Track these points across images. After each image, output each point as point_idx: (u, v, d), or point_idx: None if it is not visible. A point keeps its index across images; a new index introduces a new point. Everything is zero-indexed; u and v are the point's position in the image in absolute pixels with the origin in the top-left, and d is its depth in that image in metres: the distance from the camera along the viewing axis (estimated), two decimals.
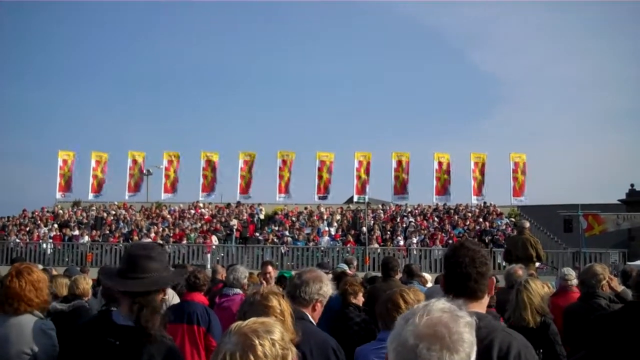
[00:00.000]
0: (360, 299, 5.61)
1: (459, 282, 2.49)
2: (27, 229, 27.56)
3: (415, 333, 1.45)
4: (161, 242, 23.84)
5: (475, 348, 1.51)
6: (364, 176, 32.34)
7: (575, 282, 6.17)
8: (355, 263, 9.90)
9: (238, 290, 6.27)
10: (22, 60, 74.10)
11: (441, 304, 1.55)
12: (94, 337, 2.67)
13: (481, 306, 2.49)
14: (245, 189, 32.79)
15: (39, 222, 28.74)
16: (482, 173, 32.30)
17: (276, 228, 27.82)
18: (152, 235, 25.40)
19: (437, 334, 1.45)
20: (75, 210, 31.32)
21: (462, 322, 1.50)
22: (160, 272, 2.77)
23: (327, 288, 3.49)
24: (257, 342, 1.79)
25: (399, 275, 7.25)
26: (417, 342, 1.44)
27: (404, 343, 1.45)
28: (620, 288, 5.70)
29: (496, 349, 2.20)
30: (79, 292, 5.93)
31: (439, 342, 1.44)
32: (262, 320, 1.92)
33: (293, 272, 7.52)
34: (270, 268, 7.43)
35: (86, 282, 6.10)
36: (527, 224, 12.30)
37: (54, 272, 9.31)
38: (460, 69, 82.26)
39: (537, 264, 12.71)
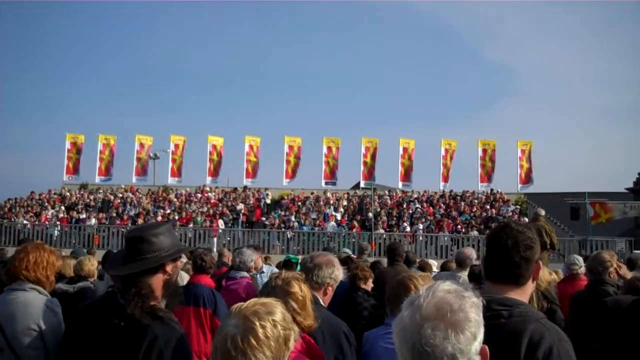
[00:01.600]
0: (369, 285, 5.61)
1: (500, 265, 2.30)
2: (35, 211, 27.69)
3: (419, 314, 1.43)
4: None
5: (482, 329, 1.47)
6: (370, 162, 32.30)
7: (582, 269, 6.15)
8: (369, 250, 9.87)
9: (244, 273, 6.28)
10: (31, 50, 74.09)
11: (446, 285, 1.51)
12: (99, 318, 2.66)
13: (524, 293, 2.30)
14: (251, 174, 32.82)
15: (46, 204, 28.87)
16: (491, 160, 32.17)
17: (282, 213, 27.86)
18: (159, 218, 25.47)
19: (441, 314, 1.42)
20: (82, 192, 31.45)
21: (468, 302, 1.47)
22: (160, 251, 2.71)
23: (339, 272, 3.51)
24: (257, 324, 1.78)
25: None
26: (422, 322, 1.42)
27: (408, 324, 1.43)
28: (629, 275, 5.67)
29: (526, 340, 2.06)
30: (84, 273, 5.94)
31: (443, 321, 1.41)
32: (264, 301, 1.90)
33: (299, 257, 7.51)
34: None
35: (91, 264, 6.11)
36: (543, 212, 12.19)
37: (63, 254, 9.37)
38: (468, 58, 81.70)
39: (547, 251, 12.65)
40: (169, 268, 2.76)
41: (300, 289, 2.83)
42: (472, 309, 1.46)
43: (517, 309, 2.17)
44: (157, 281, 2.72)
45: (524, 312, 2.17)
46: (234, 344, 1.76)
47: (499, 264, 2.31)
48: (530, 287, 2.33)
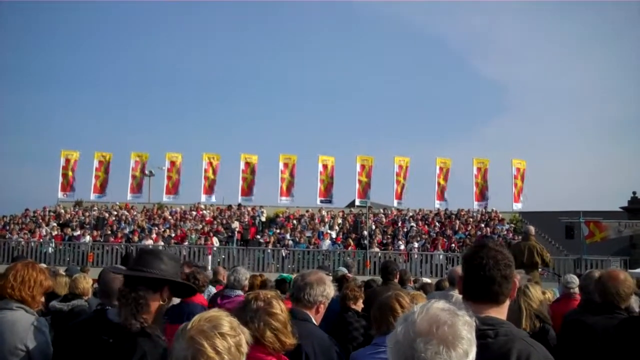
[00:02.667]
0: (359, 305, 5.59)
1: (480, 285, 2.30)
2: (29, 228, 27.57)
3: (413, 329, 1.46)
4: (163, 244, 23.89)
5: (474, 347, 1.50)
6: (365, 180, 32.36)
7: (577, 289, 6.14)
8: (354, 267, 9.88)
9: (239, 292, 6.26)
10: (25, 62, 74.29)
11: (441, 304, 1.54)
12: (88, 335, 2.67)
13: (502, 311, 2.31)
14: (247, 192, 32.81)
15: (41, 221, 28.76)
16: (484, 179, 32.30)
17: (277, 231, 27.81)
18: (154, 236, 25.39)
19: (434, 330, 1.45)
20: (77, 210, 31.36)
21: (460, 321, 1.50)
22: (160, 270, 2.75)
23: (330, 290, 3.52)
24: (205, 343, 1.79)
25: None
26: (415, 337, 1.44)
27: (402, 339, 1.46)
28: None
29: (514, 359, 2.07)
30: (79, 291, 5.92)
31: (435, 337, 1.44)
32: (207, 316, 1.91)
33: (293, 276, 7.48)
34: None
35: (86, 282, 6.08)
36: (533, 230, 12.06)
37: (60, 271, 9.33)
38: (462, 75, 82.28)
39: (540, 269, 12.59)
40: (165, 295, 2.78)
41: (281, 308, 2.85)
42: (465, 326, 1.49)
43: (502, 328, 2.18)
44: (154, 302, 2.73)
45: (509, 331, 2.18)
46: None
47: (479, 283, 2.32)
48: (507, 305, 2.35)
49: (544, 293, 5.00)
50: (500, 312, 2.31)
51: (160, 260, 2.79)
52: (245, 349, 1.89)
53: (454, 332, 1.45)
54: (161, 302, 2.77)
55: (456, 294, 6.12)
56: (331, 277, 8.24)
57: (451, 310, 1.52)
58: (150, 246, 22.59)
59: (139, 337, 2.58)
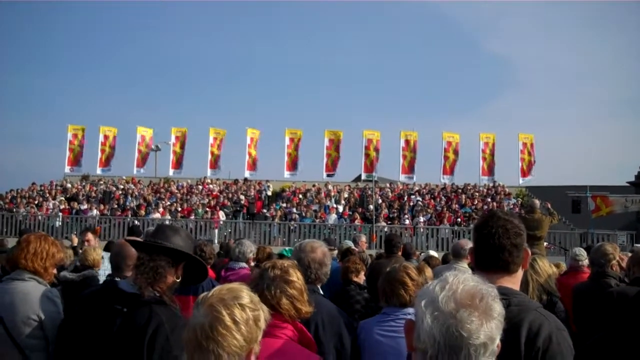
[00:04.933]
0: (361, 277, 5.57)
1: (490, 254, 2.29)
2: (36, 202, 27.69)
3: (454, 300, 1.47)
4: (169, 218, 23.97)
5: (503, 317, 1.53)
6: (372, 154, 32.27)
7: (586, 262, 6.12)
8: (363, 239, 9.88)
9: (243, 264, 6.26)
10: (35, 42, 73.96)
11: (470, 276, 1.56)
12: (100, 304, 2.65)
13: (514, 280, 2.31)
14: (252, 166, 32.81)
15: (48, 195, 28.87)
16: (492, 153, 32.17)
17: (284, 205, 27.86)
18: (161, 209, 25.47)
19: (477, 302, 1.47)
20: (83, 184, 31.46)
21: (492, 294, 1.52)
22: (177, 245, 2.75)
23: (329, 261, 3.53)
24: (224, 312, 1.79)
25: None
26: (457, 307, 1.45)
27: (443, 308, 1.46)
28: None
29: (525, 329, 2.07)
30: (89, 263, 5.96)
31: (477, 309, 1.46)
32: (229, 287, 1.91)
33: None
34: (89, 235, 7.51)
35: (96, 253, 6.12)
36: (538, 204, 12.12)
37: (69, 242, 9.41)
38: (470, 52, 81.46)
39: (545, 244, 12.62)
40: (180, 272, 2.78)
41: (297, 276, 2.83)
42: (496, 299, 1.52)
43: (514, 298, 2.16)
44: (170, 276, 2.73)
45: (522, 301, 2.17)
46: (203, 334, 1.78)
47: (489, 252, 2.31)
48: (520, 275, 2.34)
49: (557, 266, 4.96)
50: (513, 282, 2.29)
51: (180, 236, 2.79)
52: (263, 324, 1.88)
53: (492, 306, 1.48)
54: (175, 279, 2.76)
55: (462, 266, 6.12)
56: (336, 251, 8.27)
57: (482, 282, 1.55)
58: (158, 220, 22.71)
59: (154, 305, 2.57)
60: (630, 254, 5.38)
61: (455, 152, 32.34)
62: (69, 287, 5.52)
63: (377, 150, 32.31)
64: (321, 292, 3.39)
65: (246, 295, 1.88)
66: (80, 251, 6.47)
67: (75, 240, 10.40)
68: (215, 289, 1.89)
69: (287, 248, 10.05)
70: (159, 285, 2.64)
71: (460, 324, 1.43)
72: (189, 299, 5.05)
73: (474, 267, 2.40)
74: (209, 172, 32.91)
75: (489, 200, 27.96)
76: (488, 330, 1.45)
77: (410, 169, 32.27)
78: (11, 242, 9.77)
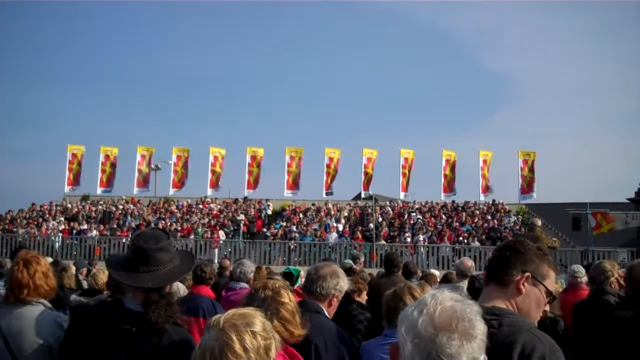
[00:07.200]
0: (364, 297, 5.56)
1: (489, 265, 2.33)
2: (36, 222, 27.66)
3: (432, 323, 1.47)
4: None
5: (485, 335, 1.52)
6: (371, 173, 32.34)
7: (584, 279, 6.12)
8: (362, 259, 9.86)
9: (244, 284, 6.25)
10: (28, 59, 74.41)
11: (449, 294, 1.55)
12: (106, 324, 2.60)
13: (510, 298, 2.24)
14: (252, 185, 32.84)
15: (47, 215, 28.85)
16: (489, 171, 32.26)
17: (284, 224, 27.82)
18: None
19: (453, 324, 1.46)
20: (83, 204, 31.45)
21: (473, 310, 1.51)
22: (171, 263, 2.71)
23: (344, 283, 3.46)
24: (234, 338, 1.76)
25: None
26: (436, 332, 1.45)
27: (422, 334, 1.46)
28: None
29: (517, 351, 2.01)
30: (99, 287, 6.04)
31: (455, 331, 1.45)
32: (242, 312, 1.88)
33: (300, 268, 7.46)
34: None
35: (105, 276, 6.17)
36: (539, 222, 12.13)
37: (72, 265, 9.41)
38: (468, 68, 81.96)
39: None
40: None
41: (289, 298, 2.81)
42: (477, 316, 1.51)
43: (507, 318, 2.12)
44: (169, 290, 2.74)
45: (515, 321, 2.13)
46: (212, 358, 1.75)
47: (489, 264, 2.34)
48: (514, 295, 2.23)
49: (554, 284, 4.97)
50: (505, 293, 2.24)
51: (168, 252, 2.71)
52: (273, 354, 1.85)
53: (473, 325, 1.48)
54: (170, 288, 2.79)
55: (461, 285, 6.13)
56: None
57: (461, 300, 1.54)
58: None
59: (170, 326, 2.55)
60: None
61: (452, 170, 32.42)
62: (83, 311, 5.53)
63: (374, 168, 32.42)
64: (326, 313, 3.35)
65: (259, 322, 1.85)
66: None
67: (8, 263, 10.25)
68: (228, 313, 1.86)
69: (293, 267, 10.04)
70: (175, 312, 2.62)
71: (439, 348, 1.43)
72: (189, 319, 5.05)
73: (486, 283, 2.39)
74: (209, 191, 32.93)
75: (489, 218, 27.94)
76: (469, 351, 1.44)
77: (409, 186, 32.39)
78: (10, 263, 9.69)
